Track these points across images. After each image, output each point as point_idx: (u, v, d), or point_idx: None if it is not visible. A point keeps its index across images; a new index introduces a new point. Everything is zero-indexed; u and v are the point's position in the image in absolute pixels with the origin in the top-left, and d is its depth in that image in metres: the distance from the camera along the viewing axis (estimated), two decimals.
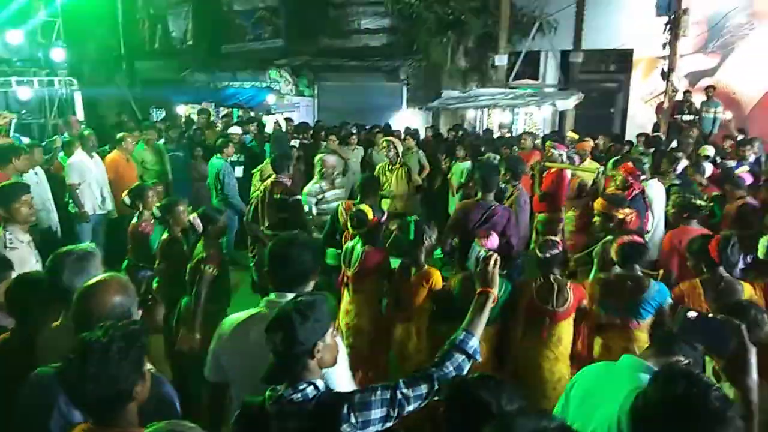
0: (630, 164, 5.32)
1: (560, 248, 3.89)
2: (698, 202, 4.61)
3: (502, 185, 5.64)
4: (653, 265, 5.57)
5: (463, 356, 2.14)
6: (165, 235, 4.43)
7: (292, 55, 14.82)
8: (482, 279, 2.41)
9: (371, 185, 5.15)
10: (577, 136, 10.05)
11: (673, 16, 10.14)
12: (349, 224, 4.41)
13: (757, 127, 11.39)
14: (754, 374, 1.60)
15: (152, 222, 4.72)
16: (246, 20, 15.82)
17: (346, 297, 4.32)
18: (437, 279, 3.95)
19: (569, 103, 12.00)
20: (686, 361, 2.01)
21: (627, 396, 1.77)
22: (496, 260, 2.46)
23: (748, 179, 5.98)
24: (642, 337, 3.62)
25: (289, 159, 6.33)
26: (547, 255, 3.82)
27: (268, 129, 11.11)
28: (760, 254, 3.85)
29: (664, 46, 10.51)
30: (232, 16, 16.01)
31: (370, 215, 4.27)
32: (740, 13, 12.35)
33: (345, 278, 4.36)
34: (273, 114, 12.55)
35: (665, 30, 10.31)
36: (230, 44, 15.79)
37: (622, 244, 3.76)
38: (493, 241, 4.03)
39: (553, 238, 4.02)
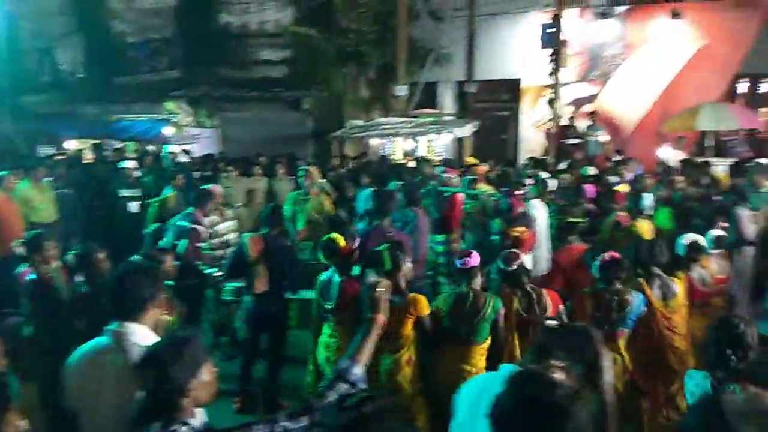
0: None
1: (521, 259, 4.02)
2: (573, 219, 4.96)
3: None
4: (545, 278, 5.91)
5: (347, 385, 2.12)
6: (84, 289, 3.89)
7: (190, 86, 14.52)
8: (370, 305, 2.44)
9: (276, 215, 5.11)
10: (476, 161, 10.55)
11: (555, 49, 10.90)
12: (320, 254, 4.24)
13: (636, 148, 12.38)
14: (609, 377, 1.73)
15: (51, 273, 4.27)
16: (140, 51, 15.38)
17: (326, 330, 4.13)
18: (423, 305, 3.81)
19: (466, 130, 12.51)
20: (561, 365, 2.12)
21: None
22: (386, 287, 2.50)
23: (591, 192, 6.60)
24: (622, 345, 3.89)
25: (209, 195, 6.02)
26: (513, 267, 3.94)
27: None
28: (679, 251, 4.40)
29: (549, 76, 11.27)
30: (124, 47, 15.50)
31: (342, 244, 4.14)
32: (615, 45, 13.49)
33: (322, 311, 4.16)
34: (176, 145, 12.20)
35: (549, 61, 11.07)
36: (123, 76, 15.25)
37: (603, 262, 3.90)
38: (475, 259, 3.96)
39: (513, 250, 4.14)
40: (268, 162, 9.90)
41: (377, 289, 2.45)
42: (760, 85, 14.11)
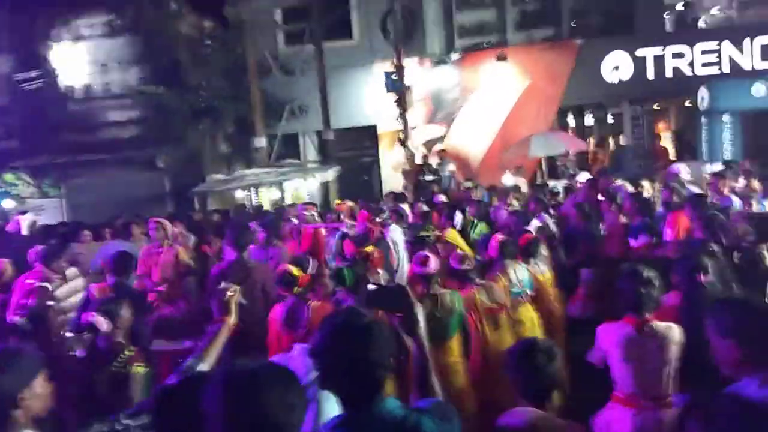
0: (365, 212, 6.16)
1: (473, 260, 4.57)
2: (423, 233, 5.37)
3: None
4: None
5: None
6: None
7: (31, 155, 13.63)
8: (220, 308, 2.54)
9: (121, 263, 4.99)
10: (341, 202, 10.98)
11: (399, 94, 11.72)
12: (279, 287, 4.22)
13: (483, 178, 13.47)
14: (422, 325, 1.98)
15: None
16: None
17: None
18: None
19: (329, 175, 12.94)
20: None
21: None
22: (234, 291, 2.62)
23: (411, 215, 7.58)
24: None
25: (59, 250, 5.61)
26: (465, 267, 4.41)
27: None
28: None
29: (397, 119, 12.04)
30: None
31: (297, 273, 4.09)
32: (453, 89, 14.72)
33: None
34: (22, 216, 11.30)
35: (395, 105, 11.84)
36: None
37: (500, 242, 4.64)
38: (433, 264, 4.24)
39: (464, 252, 4.77)
40: (121, 225, 9.51)
41: (227, 293, 2.56)
42: (585, 117, 16.16)
